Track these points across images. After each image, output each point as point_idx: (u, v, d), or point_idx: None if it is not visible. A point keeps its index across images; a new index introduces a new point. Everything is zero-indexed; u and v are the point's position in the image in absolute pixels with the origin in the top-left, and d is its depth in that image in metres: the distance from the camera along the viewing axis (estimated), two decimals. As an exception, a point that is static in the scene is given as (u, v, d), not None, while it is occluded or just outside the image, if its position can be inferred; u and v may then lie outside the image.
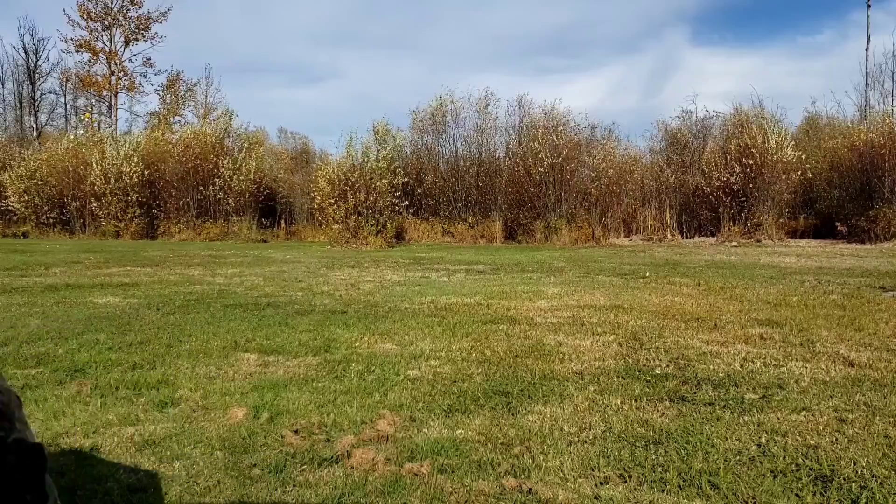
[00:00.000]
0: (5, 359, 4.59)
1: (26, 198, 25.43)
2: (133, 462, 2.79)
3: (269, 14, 58.21)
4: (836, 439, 3.09)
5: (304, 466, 2.78)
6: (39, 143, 29.38)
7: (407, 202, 21.21)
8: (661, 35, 62.60)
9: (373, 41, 62.75)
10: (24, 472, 0.88)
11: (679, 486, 2.60)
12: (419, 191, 22.78)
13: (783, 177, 20.33)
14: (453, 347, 5.08)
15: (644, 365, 4.53)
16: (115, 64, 37.01)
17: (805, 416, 3.42)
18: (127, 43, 36.82)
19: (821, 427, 3.25)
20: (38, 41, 40.03)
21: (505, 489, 2.56)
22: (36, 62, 39.99)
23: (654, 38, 63.64)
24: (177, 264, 12.70)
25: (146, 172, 24.58)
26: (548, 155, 20.54)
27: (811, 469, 2.73)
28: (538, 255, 15.93)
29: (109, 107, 38.34)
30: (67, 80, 40.05)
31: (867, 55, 28.23)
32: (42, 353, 4.76)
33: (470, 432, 3.17)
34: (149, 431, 3.15)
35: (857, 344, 5.14)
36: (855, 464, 2.79)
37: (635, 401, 3.70)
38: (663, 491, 2.57)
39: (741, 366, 4.47)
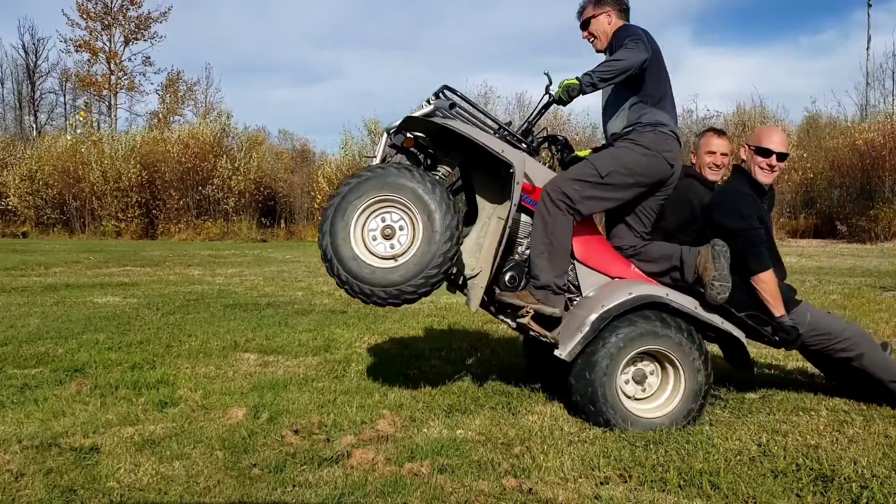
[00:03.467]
0: (5, 359, 4.59)
1: (28, 199, 25.43)
2: (133, 462, 2.78)
3: (270, 13, 58.26)
4: (837, 439, 3.09)
5: (304, 466, 2.77)
6: (41, 143, 29.34)
7: (407, 201, 21.20)
8: (663, 34, 62.28)
9: (374, 41, 62.81)
10: None
11: (679, 485, 2.60)
12: (419, 190, 22.77)
13: (784, 176, 20.31)
14: (453, 347, 5.08)
15: (644, 365, 4.52)
16: (115, 63, 36.95)
17: (805, 416, 3.42)
18: (126, 42, 36.73)
19: (821, 427, 3.24)
20: (38, 41, 39.97)
21: (505, 489, 2.56)
22: (36, 62, 39.93)
23: (655, 38, 63.46)
24: (177, 264, 12.70)
25: (144, 172, 24.57)
26: (549, 154, 20.53)
27: (812, 469, 2.73)
28: (538, 254, 15.89)
29: (109, 106, 38.27)
30: (67, 80, 40.02)
31: (868, 55, 28.27)
32: (42, 353, 4.75)
33: (470, 432, 3.17)
34: (149, 431, 3.15)
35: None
36: (855, 463, 2.78)
37: (635, 401, 3.70)
38: (663, 491, 2.56)
39: (741, 365, 4.46)
